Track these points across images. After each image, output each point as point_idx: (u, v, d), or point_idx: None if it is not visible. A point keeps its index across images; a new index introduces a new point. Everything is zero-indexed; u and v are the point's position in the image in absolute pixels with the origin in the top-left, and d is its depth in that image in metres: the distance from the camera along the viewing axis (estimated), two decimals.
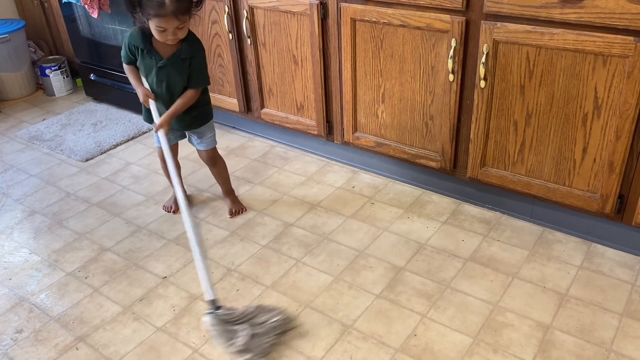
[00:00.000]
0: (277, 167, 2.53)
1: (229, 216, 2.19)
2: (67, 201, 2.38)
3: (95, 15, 2.85)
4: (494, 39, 1.75)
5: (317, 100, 2.33)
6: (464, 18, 1.80)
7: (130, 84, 2.00)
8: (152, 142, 2.81)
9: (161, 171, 2.50)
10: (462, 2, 1.77)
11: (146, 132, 2.93)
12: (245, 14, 2.34)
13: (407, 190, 2.29)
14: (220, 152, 2.21)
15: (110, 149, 2.79)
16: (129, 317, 1.74)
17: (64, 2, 3.04)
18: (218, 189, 2.31)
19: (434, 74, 1.95)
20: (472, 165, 2.01)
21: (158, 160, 2.61)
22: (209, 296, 1.58)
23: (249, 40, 2.40)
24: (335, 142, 2.40)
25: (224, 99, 2.67)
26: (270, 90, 2.48)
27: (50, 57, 3.60)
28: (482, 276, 1.82)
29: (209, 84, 2.01)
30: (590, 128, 1.71)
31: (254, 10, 2.32)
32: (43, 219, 2.27)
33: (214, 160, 2.17)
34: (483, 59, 1.79)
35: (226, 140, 2.76)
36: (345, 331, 1.64)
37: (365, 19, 2.01)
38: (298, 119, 2.45)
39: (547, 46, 1.67)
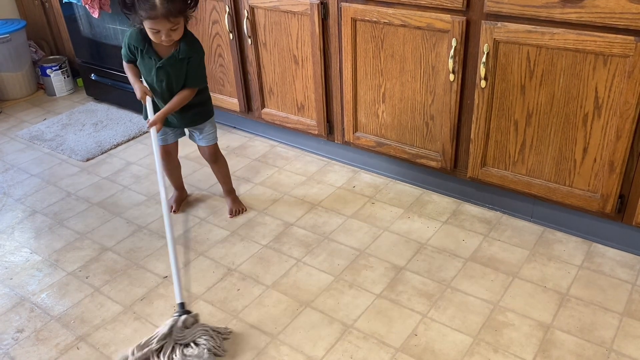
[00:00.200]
0: (278, 167, 2.53)
1: (229, 216, 2.20)
2: (68, 201, 2.38)
3: (96, 15, 2.86)
4: (494, 38, 1.75)
5: (317, 100, 2.33)
6: (465, 18, 1.80)
7: (130, 83, 2.00)
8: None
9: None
10: (463, 2, 1.77)
11: (147, 132, 2.93)
12: (246, 14, 2.34)
13: (408, 190, 2.29)
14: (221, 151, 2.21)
15: (111, 148, 2.79)
16: (129, 317, 1.74)
17: (65, 2, 3.04)
18: (218, 189, 2.31)
19: (435, 73, 1.95)
20: (473, 165, 2.01)
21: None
22: (178, 299, 1.63)
23: (249, 40, 2.40)
24: (336, 142, 2.40)
25: (225, 98, 2.67)
26: (271, 90, 2.48)
27: (51, 57, 3.60)
28: (482, 276, 1.82)
29: (205, 84, 2.01)
30: (591, 128, 1.71)
31: (255, 10, 2.32)
32: (44, 218, 2.27)
33: (215, 157, 2.17)
34: (483, 59, 1.79)
35: (227, 140, 2.76)
36: (346, 331, 1.64)
37: (366, 18, 2.01)
38: (299, 118, 2.45)
39: (547, 46, 1.67)
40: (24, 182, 2.55)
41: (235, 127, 2.89)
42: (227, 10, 2.38)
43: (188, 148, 2.56)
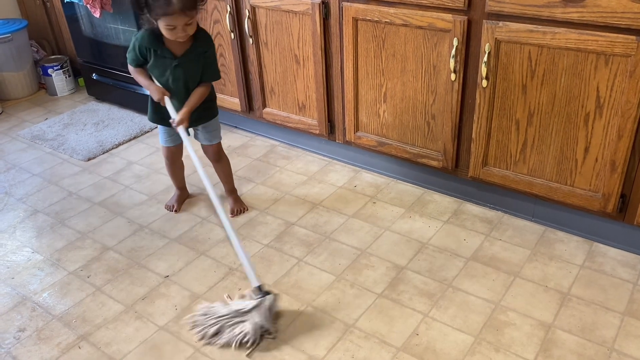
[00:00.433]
0: (279, 167, 2.53)
1: (230, 215, 2.20)
2: (70, 200, 2.38)
3: (97, 14, 2.86)
4: (495, 38, 1.75)
5: (318, 100, 2.33)
6: (466, 17, 1.80)
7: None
8: (154, 142, 2.82)
9: (163, 170, 2.50)
10: (464, 2, 1.77)
11: (148, 131, 2.94)
12: (247, 14, 2.34)
13: (409, 190, 2.29)
14: None
15: (112, 148, 2.79)
16: (131, 316, 1.74)
17: (66, 1, 3.04)
18: (219, 188, 2.32)
19: (436, 73, 1.95)
20: (474, 164, 2.01)
21: (160, 159, 2.62)
22: (255, 283, 1.65)
23: (250, 40, 2.40)
24: (337, 141, 2.40)
25: (226, 98, 2.68)
26: (272, 89, 2.49)
27: (53, 56, 3.60)
28: (483, 275, 1.82)
29: (220, 77, 2.03)
30: (592, 127, 1.71)
31: (256, 9, 2.32)
32: (45, 218, 2.27)
33: (219, 156, 2.18)
34: (485, 58, 1.79)
35: (228, 140, 2.77)
36: (347, 330, 1.64)
37: (367, 18, 2.01)
38: (300, 118, 2.45)
39: (549, 45, 1.67)
40: (26, 182, 2.55)
41: (236, 127, 2.89)
42: (229, 9, 2.38)
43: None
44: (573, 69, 1.66)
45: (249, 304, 1.62)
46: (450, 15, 1.82)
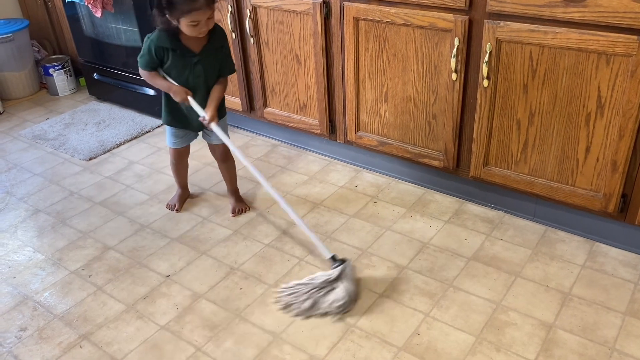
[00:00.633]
0: (280, 166, 2.53)
1: (232, 215, 2.20)
2: (71, 200, 2.38)
3: (98, 14, 2.86)
4: (497, 38, 1.75)
5: (320, 100, 2.33)
6: (467, 17, 1.80)
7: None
8: (155, 142, 2.82)
9: (164, 170, 2.50)
10: (465, 1, 1.77)
11: (149, 131, 2.94)
12: (248, 13, 2.34)
13: (410, 190, 2.29)
14: None
15: (113, 148, 2.80)
16: (132, 316, 1.74)
17: (68, 1, 3.05)
18: (221, 188, 2.32)
19: (437, 73, 1.95)
20: (475, 164, 2.01)
21: (161, 159, 2.63)
22: (327, 254, 1.78)
23: (252, 40, 2.40)
24: (338, 141, 2.40)
25: (227, 98, 2.68)
26: (273, 89, 2.49)
27: (54, 56, 3.61)
28: (485, 275, 1.82)
29: (235, 70, 2.07)
30: (594, 127, 1.71)
31: (257, 9, 2.32)
32: (47, 217, 2.27)
33: (226, 156, 2.18)
34: (486, 58, 1.79)
35: None
36: (348, 330, 1.64)
37: (368, 18, 2.01)
38: (301, 118, 2.45)
39: (550, 45, 1.67)
40: (27, 181, 2.55)
41: (237, 127, 2.89)
42: (230, 9, 2.39)
43: (191, 147, 2.55)
44: (574, 68, 1.66)
45: (333, 272, 1.72)
46: (452, 15, 1.82)
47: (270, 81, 2.48)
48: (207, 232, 2.11)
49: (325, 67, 2.24)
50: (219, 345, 1.62)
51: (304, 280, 1.77)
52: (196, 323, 1.70)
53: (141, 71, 1.95)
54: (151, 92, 2.96)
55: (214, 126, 1.93)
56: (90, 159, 2.71)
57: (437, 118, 2.03)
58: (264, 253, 1.98)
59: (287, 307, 1.72)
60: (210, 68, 1.94)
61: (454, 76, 1.90)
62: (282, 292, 1.76)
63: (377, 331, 1.63)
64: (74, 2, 3.01)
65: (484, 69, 1.80)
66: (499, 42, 1.76)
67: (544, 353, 1.53)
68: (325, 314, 1.69)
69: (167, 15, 1.78)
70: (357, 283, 1.78)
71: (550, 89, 1.74)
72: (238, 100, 2.64)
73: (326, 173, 2.45)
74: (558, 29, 1.63)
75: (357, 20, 2.05)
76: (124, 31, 2.91)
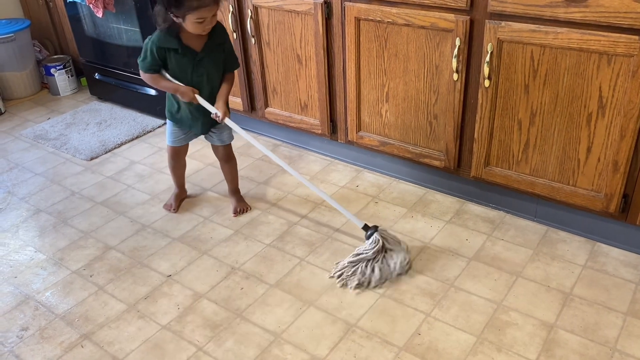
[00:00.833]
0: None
1: (233, 215, 2.20)
2: (72, 200, 2.39)
3: (100, 14, 2.86)
4: (498, 38, 1.75)
5: (321, 100, 2.33)
6: (468, 17, 1.80)
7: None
8: (157, 141, 2.82)
9: (166, 170, 2.50)
10: (467, 2, 1.77)
11: (150, 131, 2.94)
12: (250, 14, 2.35)
13: (411, 190, 2.29)
14: None
15: (114, 147, 2.80)
16: (133, 315, 1.75)
17: (69, 1, 3.05)
18: (222, 188, 2.32)
19: (438, 73, 1.95)
20: (476, 164, 2.01)
21: (162, 159, 2.63)
22: (360, 224, 1.88)
23: (253, 40, 2.40)
24: (339, 141, 2.40)
25: (229, 98, 2.67)
26: (275, 89, 2.49)
27: (55, 56, 3.61)
28: (486, 275, 1.82)
29: (239, 65, 2.07)
30: (595, 127, 1.71)
31: (258, 9, 2.33)
32: (48, 217, 2.28)
33: (229, 157, 2.19)
34: (487, 58, 1.79)
35: None
36: (349, 330, 1.64)
37: (370, 18, 2.01)
38: (302, 118, 2.46)
39: (551, 45, 1.67)
40: (28, 181, 2.56)
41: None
42: (231, 9, 2.39)
43: (192, 147, 2.56)
44: (575, 68, 1.66)
45: (375, 241, 1.82)
46: (453, 15, 1.82)
47: (271, 81, 2.48)
48: (208, 232, 2.12)
49: (326, 67, 2.24)
50: (220, 345, 1.62)
51: (354, 258, 1.82)
52: (197, 323, 1.70)
53: (143, 75, 1.93)
54: (152, 92, 2.96)
55: (228, 121, 1.96)
56: (92, 158, 2.71)
57: (438, 118, 2.03)
58: (265, 253, 1.98)
59: (360, 285, 1.78)
60: (213, 66, 1.94)
61: (455, 76, 1.90)
62: (341, 274, 1.82)
63: (378, 331, 1.63)
64: (75, 2, 3.02)
65: (485, 69, 1.80)
66: (500, 42, 1.76)
67: (545, 353, 1.53)
68: (399, 275, 1.81)
69: (173, 12, 1.78)
70: (399, 240, 1.88)
71: (551, 89, 1.74)
72: (239, 100, 2.64)
73: (327, 173, 2.46)
74: (559, 29, 1.63)
75: (358, 20, 2.05)
76: (125, 31, 2.91)
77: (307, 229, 2.09)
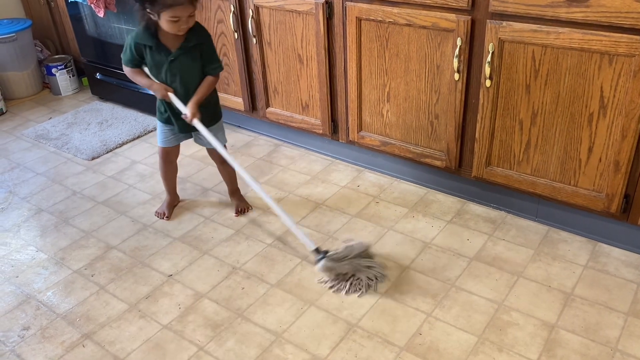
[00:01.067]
0: (282, 166, 2.53)
1: (234, 215, 2.20)
2: (73, 199, 2.39)
3: (101, 14, 2.87)
4: (499, 38, 1.75)
5: (322, 100, 2.33)
6: (470, 17, 1.80)
7: (142, 86, 1.99)
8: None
9: None
10: (468, 1, 1.77)
11: (151, 130, 2.94)
12: (251, 13, 2.35)
13: (412, 190, 2.29)
14: None
15: (116, 147, 2.80)
16: (134, 315, 1.75)
17: (70, 1, 3.05)
18: (223, 188, 2.32)
19: (440, 73, 1.95)
20: (478, 164, 2.01)
21: None
22: (310, 246, 1.83)
23: (254, 40, 2.40)
24: (340, 141, 2.40)
25: (230, 98, 2.68)
26: (276, 89, 2.49)
27: (57, 56, 3.61)
28: (487, 275, 1.82)
29: (223, 68, 2.02)
30: (596, 127, 1.70)
31: (260, 9, 2.33)
32: (49, 217, 2.28)
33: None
34: (488, 58, 1.79)
35: (231, 139, 2.77)
36: (350, 330, 1.64)
37: (371, 18, 2.01)
38: (303, 118, 2.46)
39: (553, 45, 1.67)
40: (30, 181, 2.56)
41: (239, 126, 2.90)
42: (232, 9, 2.39)
43: (192, 148, 2.56)
44: (577, 68, 1.66)
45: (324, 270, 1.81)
46: (454, 15, 1.82)
47: (272, 81, 2.48)
48: (209, 231, 2.12)
49: (327, 67, 2.25)
50: (221, 344, 1.62)
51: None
52: (198, 322, 1.70)
53: (124, 67, 1.96)
54: None
55: (196, 123, 1.90)
56: (93, 158, 2.71)
57: (440, 118, 2.03)
58: (266, 253, 1.98)
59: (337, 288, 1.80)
60: (187, 67, 1.90)
61: (456, 76, 1.90)
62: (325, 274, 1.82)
63: (379, 331, 1.63)
64: (76, 2, 3.02)
65: (487, 69, 1.80)
66: (501, 42, 1.76)
67: (547, 353, 1.53)
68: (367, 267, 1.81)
69: (148, 9, 1.78)
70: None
71: (552, 89, 1.73)
72: (240, 100, 2.64)
73: (328, 173, 2.46)
74: (561, 29, 1.63)
75: (359, 20, 2.05)
76: (126, 31, 2.91)
77: (309, 229, 2.09)
